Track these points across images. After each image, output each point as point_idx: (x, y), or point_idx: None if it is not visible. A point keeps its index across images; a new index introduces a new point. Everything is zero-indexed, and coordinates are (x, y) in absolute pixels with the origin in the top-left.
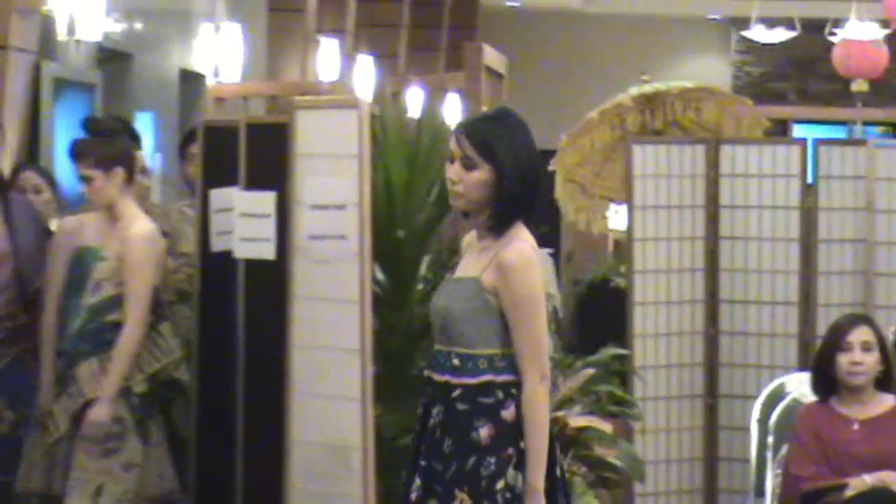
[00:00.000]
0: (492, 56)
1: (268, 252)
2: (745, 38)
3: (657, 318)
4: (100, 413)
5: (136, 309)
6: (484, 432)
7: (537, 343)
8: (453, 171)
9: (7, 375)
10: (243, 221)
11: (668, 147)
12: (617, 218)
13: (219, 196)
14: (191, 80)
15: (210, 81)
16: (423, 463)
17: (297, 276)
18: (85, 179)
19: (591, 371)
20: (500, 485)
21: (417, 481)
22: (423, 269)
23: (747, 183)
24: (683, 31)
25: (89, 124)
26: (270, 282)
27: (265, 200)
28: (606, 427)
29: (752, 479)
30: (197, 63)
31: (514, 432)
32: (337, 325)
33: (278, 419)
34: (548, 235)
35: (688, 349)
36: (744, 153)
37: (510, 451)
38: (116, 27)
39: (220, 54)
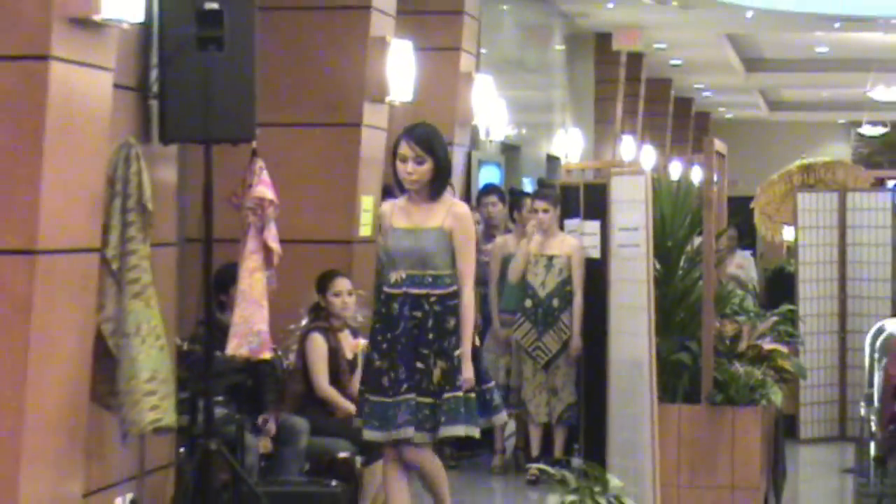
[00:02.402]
0: (719, 144)
1: (595, 254)
2: (859, 133)
3: (811, 288)
4: (578, 343)
5: (581, 288)
6: (452, 322)
7: (473, 264)
8: (410, 167)
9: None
10: (583, 238)
11: (817, 194)
12: (789, 233)
13: (570, 224)
14: (552, 161)
15: (563, 161)
16: (424, 351)
17: (612, 267)
18: (544, 211)
19: (776, 318)
20: (457, 353)
21: (419, 364)
22: (681, 263)
23: (861, 214)
24: (824, 130)
25: (544, 183)
26: (597, 270)
27: (594, 226)
28: (784, 349)
29: (867, 377)
30: (556, 150)
31: (460, 322)
32: (635, 293)
33: (603, 345)
34: (750, 244)
35: (828, 306)
36: (860, 197)
37: (460, 332)
38: (512, 131)
39: (569, 146)
